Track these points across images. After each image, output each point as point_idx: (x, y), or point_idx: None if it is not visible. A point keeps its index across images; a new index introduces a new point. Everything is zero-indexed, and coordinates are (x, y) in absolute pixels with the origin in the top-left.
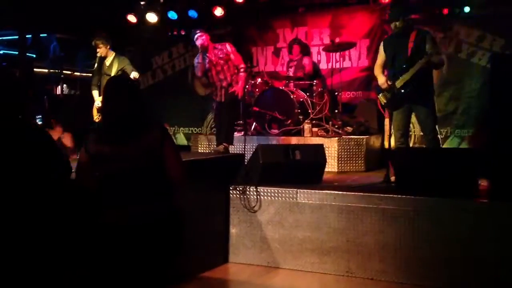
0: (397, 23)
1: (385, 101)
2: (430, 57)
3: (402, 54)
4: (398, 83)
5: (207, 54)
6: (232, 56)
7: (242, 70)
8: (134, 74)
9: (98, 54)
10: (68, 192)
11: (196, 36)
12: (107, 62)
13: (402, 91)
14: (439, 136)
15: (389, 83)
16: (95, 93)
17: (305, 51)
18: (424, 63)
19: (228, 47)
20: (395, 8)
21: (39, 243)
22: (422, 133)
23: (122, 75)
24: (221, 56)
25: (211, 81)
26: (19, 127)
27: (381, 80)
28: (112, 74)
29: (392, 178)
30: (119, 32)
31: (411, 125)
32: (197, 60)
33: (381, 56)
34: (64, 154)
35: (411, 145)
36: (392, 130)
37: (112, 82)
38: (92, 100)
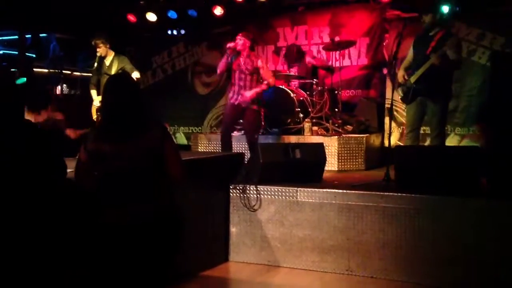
0: (426, 17)
1: (401, 95)
2: (444, 52)
3: (423, 51)
4: (412, 78)
5: (238, 58)
6: (261, 71)
7: (265, 83)
8: (135, 74)
9: (98, 54)
10: (66, 191)
11: (237, 37)
12: (107, 61)
13: (415, 86)
14: (445, 136)
15: (406, 78)
16: (93, 92)
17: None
18: (436, 58)
19: (260, 62)
20: (428, 2)
21: (38, 244)
22: (427, 132)
23: (122, 73)
24: (248, 67)
25: (232, 81)
26: (15, 126)
27: (400, 74)
28: (113, 74)
29: (392, 175)
30: (119, 31)
31: None
32: (225, 58)
33: (410, 52)
34: (61, 155)
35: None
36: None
37: (112, 81)
38: (91, 100)
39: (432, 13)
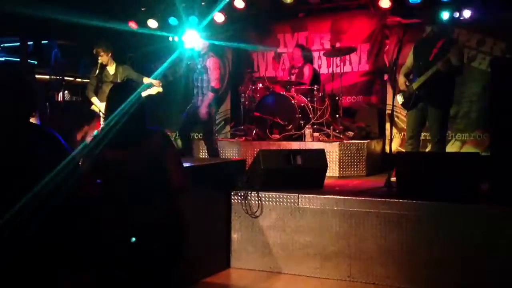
0: (434, 27)
1: (402, 101)
2: (448, 59)
3: (426, 57)
4: (415, 84)
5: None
6: (209, 71)
7: (210, 89)
8: (147, 80)
9: (100, 61)
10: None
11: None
12: (110, 70)
13: (417, 92)
14: (445, 142)
15: (407, 84)
16: (94, 99)
17: (307, 58)
18: (442, 64)
19: (209, 62)
20: (431, 13)
21: (40, 249)
22: (428, 138)
23: (125, 81)
24: (199, 67)
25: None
26: (23, 128)
27: (400, 80)
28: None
29: (393, 179)
30: (120, 38)
31: None
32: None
33: (409, 58)
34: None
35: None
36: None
37: (115, 89)
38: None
39: (436, 23)
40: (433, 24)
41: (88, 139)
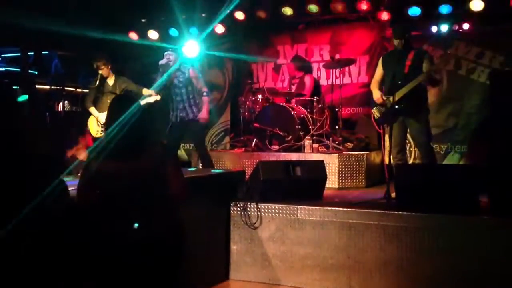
0: (400, 41)
1: (378, 115)
2: (429, 74)
3: (399, 70)
4: (393, 98)
5: (172, 74)
6: (194, 80)
7: (204, 94)
8: (147, 92)
9: (100, 73)
10: (67, 210)
11: (165, 54)
12: (110, 82)
13: (396, 106)
14: (434, 151)
15: (384, 98)
16: (92, 109)
17: (306, 68)
18: (422, 80)
19: (191, 72)
20: (399, 26)
21: (39, 258)
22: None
23: (127, 93)
24: (181, 79)
25: (170, 99)
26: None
27: (377, 95)
28: (118, 93)
29: (393, 195)
30: (120, 49)
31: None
32: (157, 77)
33: (379, 72)
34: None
35: (411, 161)
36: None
37: (117, 101)
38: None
39: (403, 37)
40: (404, 37)
41: (80, 156)
